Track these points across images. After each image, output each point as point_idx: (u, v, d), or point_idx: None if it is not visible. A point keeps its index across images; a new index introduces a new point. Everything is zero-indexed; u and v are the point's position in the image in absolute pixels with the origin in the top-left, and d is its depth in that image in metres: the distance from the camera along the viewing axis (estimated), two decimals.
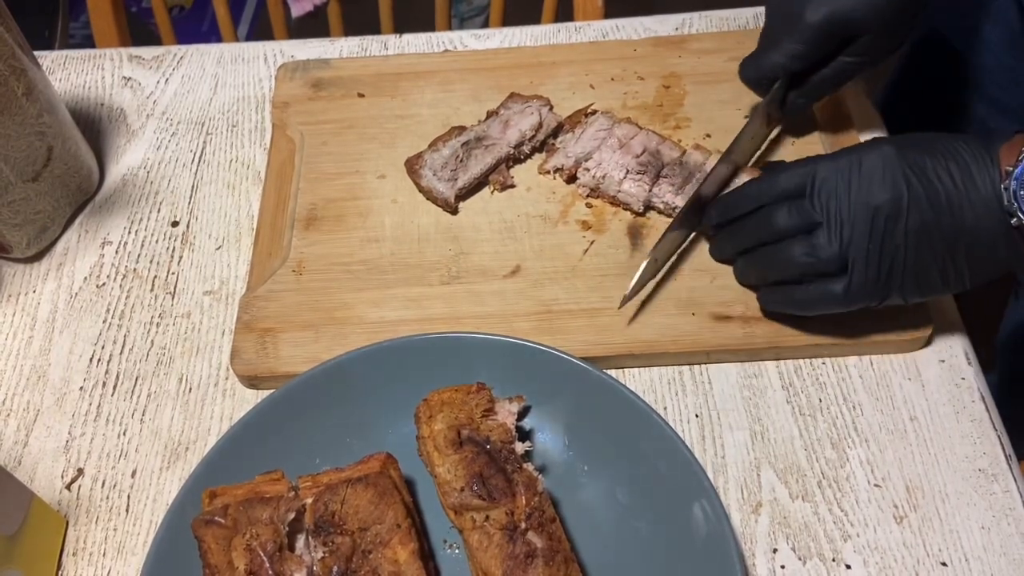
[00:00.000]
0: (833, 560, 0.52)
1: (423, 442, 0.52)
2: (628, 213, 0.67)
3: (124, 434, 0.59)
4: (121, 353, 0.63)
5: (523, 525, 0.47)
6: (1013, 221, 0.50)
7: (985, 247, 0.52)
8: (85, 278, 0.67)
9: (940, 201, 0.52)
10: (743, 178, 0.65)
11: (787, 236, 0.56)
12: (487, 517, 0.48)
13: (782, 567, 0.52)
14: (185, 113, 0.78)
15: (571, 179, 0.68)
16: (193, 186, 0.73)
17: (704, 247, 0.64)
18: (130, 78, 0.81)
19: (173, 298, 0.66)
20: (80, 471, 0.58)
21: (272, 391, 0.56)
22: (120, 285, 0.67)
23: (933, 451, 0.56)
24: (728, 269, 0.63)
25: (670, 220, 0.65)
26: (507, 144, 0.69)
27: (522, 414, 0.55)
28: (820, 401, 0.58)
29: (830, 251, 0.54)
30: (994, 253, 0.52)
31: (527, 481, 0.49)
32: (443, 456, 0.50)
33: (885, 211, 0.52)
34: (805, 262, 0.55)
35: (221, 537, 0.48)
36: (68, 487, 0.57)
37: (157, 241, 0.69)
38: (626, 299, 0.59)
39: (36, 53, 0.67)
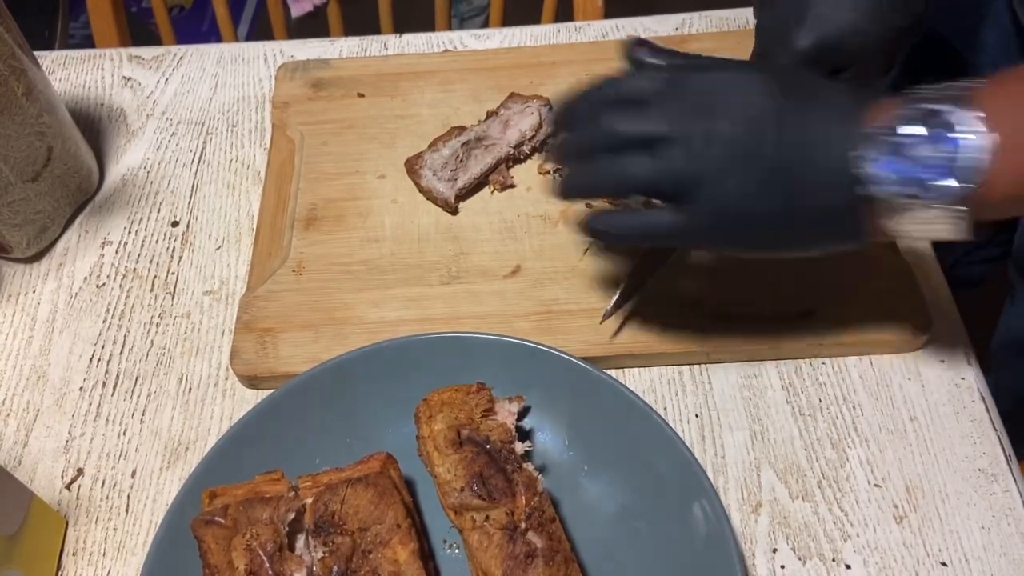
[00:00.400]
0: (833, 560, 0.52)
1: (423, 442, 0.52)
2: None
3: (124, 434, 0.59)
4: (121, 353, 0.63)
5: (523, 525, 0.47)
6: (857, 189, 0.45)
7: (828, 213, 0.47)
8: (85, 278, 0.67)
9: (795, 155, 0.46)
10: None
11: (626, 146, 0.49)
12: (487, 517, 0.48)
13: (782, 567, 0.52)
14: (185, 113, 0.78)
15: None
16: (193, 186, 0.73)
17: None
18: (130, 78, 0.81)
19: (173, 298, 0.66)
20: (80, 471, 0.58)
21: (272, 391, 0.56)
22: (120, 285, 0.67)
23: (933, 451, 0.56)
24: (728, 268, 0.63)
25: None
26: (507, 144, 0.69)
27: (522, 414, 0.55)
28: (820, 401, 0.58)
29: (672, 173, 0.47)
30: (837, 222, 0.47)
31: (527, 481, 0.49)
32: (443, 456, 0.50)
33: (742, 150, 0.46)
34: (643, 178, 0.48)
35: (221, 537, 0.48)
36: (68, 487, 0.57)
37: (157, 241, 0.69)
38: (607, 315, 0.59)
39: (36, 53, 0.67)
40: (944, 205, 0.43)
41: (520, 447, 0.51)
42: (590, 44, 0.79)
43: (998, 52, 0.80)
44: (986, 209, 0.44)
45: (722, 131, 0.47)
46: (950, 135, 0.42)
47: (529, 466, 0.50)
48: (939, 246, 0.65)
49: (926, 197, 0.43)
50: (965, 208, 0.43)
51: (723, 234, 0.49)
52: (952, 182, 0.42)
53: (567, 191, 0.52)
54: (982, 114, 0.42)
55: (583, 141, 0.51)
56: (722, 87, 0.48)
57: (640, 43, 0.52)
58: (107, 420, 0.60)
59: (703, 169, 0.47)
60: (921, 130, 0.43)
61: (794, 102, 0.47)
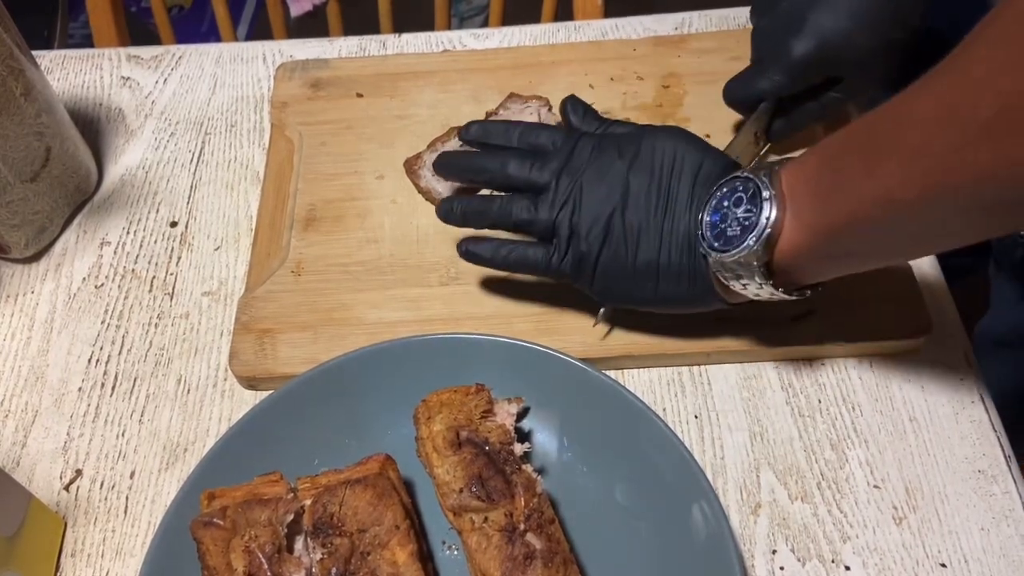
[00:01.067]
0: (832, 561, 0.52)
1: (422, 443, 0.52)
2: None
3: (123, 435, 0.59)
4: (119, 354, 0.63)
5: (522, 526, 0.47)
6: (700, 250, 0.52)
7: (673, 274, 0.53)
8: (83, 279, 0.67)
9: (648, 220, 0.53)
10: None
11: (511, 186, 0.57)
12: (486, 518, 0.48)
13: (781, 568, 0.52)
14: (184, 113, 0.78)
15: None
16: (192, 186, 0.73)
17: None
18: (129, 78, 0.81)
19: (172, 299, 0.66)
20: (78, 472, 0.58)
21: (271, 392, 0.56)
22: (118, 286, 0.67)
23: (932, 452, 0.56)
24: None
25: None
26: None
27: (521, 415, 0.55)
28: (819, 402, 0.58)
29: (542, 216, 0.54)
30: (684, 283, 0.54)
31: (526, 482, 0.49)
32: (442, 457, 0.50)
33: (602, 209, 0.53)
34: (522, 219, 0.55)
35: (219, 539, 0.47)
36: (66, 488, 0.57)
37: (156, 241, 0.69)
38: (599, 319, 0.60)
39: (35, 53, 0.67)
40: (749, 262, 0.49)
41: (519, 448, 0.51)
42: (590, 44, 0.79)
43: None
44: (786, 271, 0.50)
45: (589, 192, 0.54)
46: (755, 203, 0.49)
47: (528, 467, 0.50)
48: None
49: (734, 252, 0.49)
50: (765, 266, 0.49)
51: (584, 280, 0.56)
52: (750, 241, 0.49)
53: (453, 215, 0.59)
54: (773, 190, 0.48)
55: (482, 162, 0.58)
56: (600, 154, 0.54)
57: (574, 103, 0.60)
58: (106, 421, 0.60)
59: (569, 222, 0.54)
60: (739, 196, 0.50)
61: (658, 174, 0.53)
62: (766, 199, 0.49)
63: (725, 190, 0.51)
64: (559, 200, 0.54)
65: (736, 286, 0.51)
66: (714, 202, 0.51)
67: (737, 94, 0.66)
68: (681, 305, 0.56)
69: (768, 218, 0.48)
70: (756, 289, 0.51)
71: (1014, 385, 0.83)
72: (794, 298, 0.52)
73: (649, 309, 0.57)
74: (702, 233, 0.51)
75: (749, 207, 0.49)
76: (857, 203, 0.44)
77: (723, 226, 0.50)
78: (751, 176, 0.50)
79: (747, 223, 0.49)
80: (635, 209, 0.53)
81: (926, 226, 0.43)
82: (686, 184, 0.53)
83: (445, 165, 0.60)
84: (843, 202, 0.45)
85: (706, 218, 0.51)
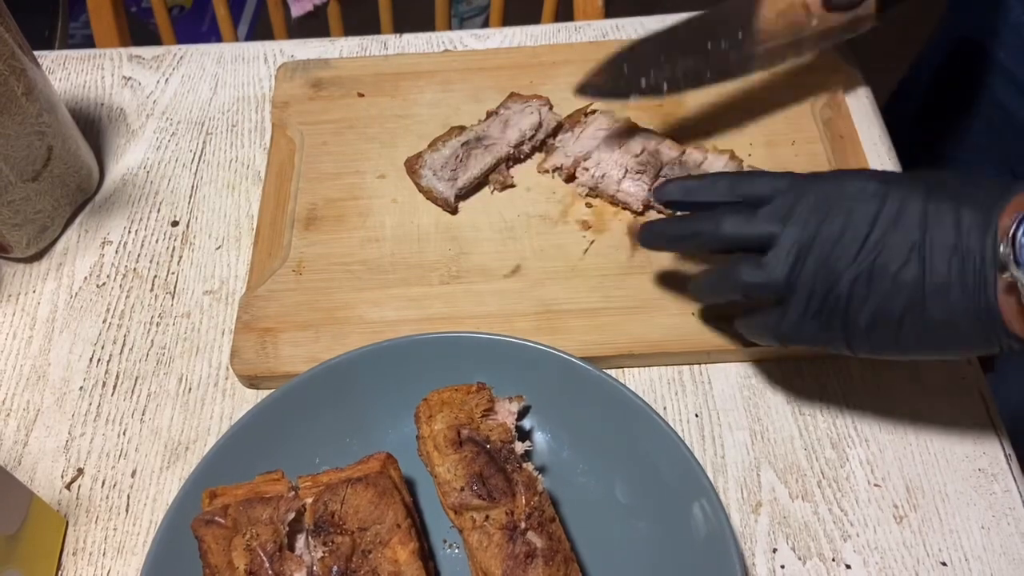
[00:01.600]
0: (833, 560, 0.52)
1: (423, 442, 0.52)
2: (628, 213, 0.67)
3: (124, 434, 0.59)
4: (121, 353, 0.63)
5: (523, 525, 0.47)
6: (1005, 275, 0.43)
7: (952, 318, 0.45)
8: (85, 278, 0.67)
9: (907, 255, 0.45)
10: (718, 163, 0.64)
11: (731, 246, 0.50)
12: (487, 517, 0.48)
13: (782, 567, 0.52)
14: (185, 113, 0.78)
15: (570, 178, 0.69)
16: (193, 186, 0.73)
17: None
18: (130, 78, 0.81)
19: (173, 298, 0.66)
20: (80, 471, 0.58)
21: (272, 391, 0.56)
22: (120, 285, 0.67)
23: (933, 451, 0.56)
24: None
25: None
26: (507, 144, 0.69)
27: (522, 414, 0.55)
28: (820, 401, 0.58)
29: (775, 275, 0.48)
30: (960, 328, 0.45)
31: (527, 481, 0.49)
32: (443, 456, 0.50)
33: (842, 250, 0.46)
34: (748, 283, 0.49)
35: (221, 537, 0.48)
36: (68, 487, 0.57)
37: (157, 241, 0.69)
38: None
39: (36, 53, 0.67)
40: None
41: (520, 447, 0.51)
42: (590, 44, 0.79)
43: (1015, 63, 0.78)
44: None
45: (829, 235, 0.46)
46: None
47: (529, 466, 0.50)
48: None
49: None
50: None
51: (831, 334, 0.49)
52: None
53: (701, 293, 0.55)
54: None
55: (691, 224, 0.52)
56: (839, 189, 0.47)
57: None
58: (107, 420, 0.60)
59: (807, 275, 0.47)
60: None
61: (919, 203, 0.45)
62: None
63: None
64: (789, 250, 0.47)
65: None
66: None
67: None
68: (961, 347, 0.47)
69: None
70: None
71: None
72: None
73: (921, 356, 0.49)
74: (1013, 254, 0.42)
75: None
76: None
77: None
78: None
79: None
80: (891, 249, 0.45)
81: None
82: (960, 203, 0.45)
83: (651, 237, 0.54)
84: None
85: (1019, 235, 0.42)
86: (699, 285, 0.55)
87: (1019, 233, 0.43)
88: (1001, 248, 0.43)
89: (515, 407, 0.53)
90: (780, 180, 0.49)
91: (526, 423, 0.56)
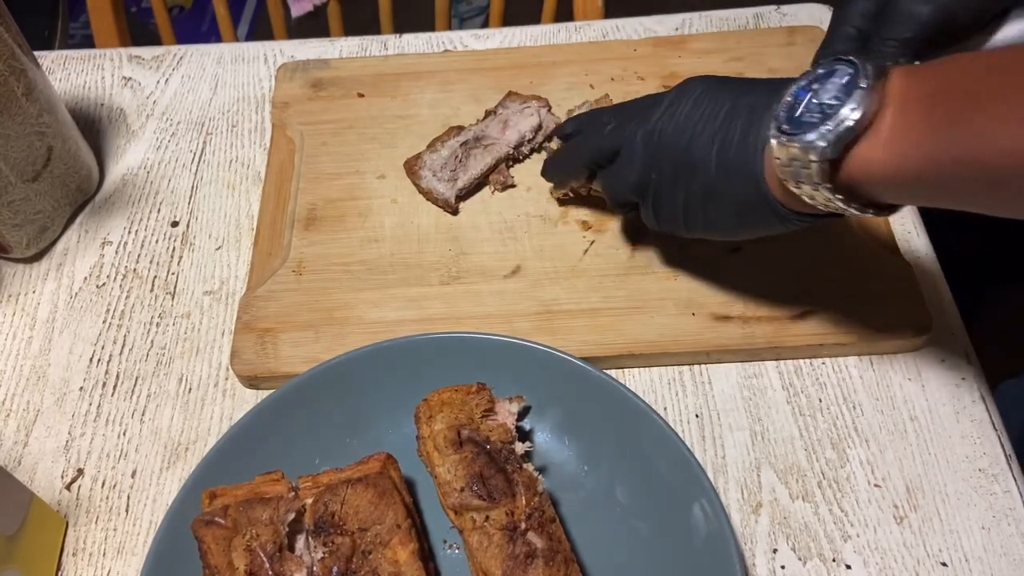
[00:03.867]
0: (833, 560, 0.52)
1: (423, 442, 0.52)
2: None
3: (124, 434, 0.59)
4: (121, 353, 0.63)
5: (523, 525, 0.47)
6: (766, 132, 0.46)
7: (739, 195, 0.49)
8: (85, 278, 0.67)
9: (708, 136, 0.50)
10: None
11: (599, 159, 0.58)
12: (487, 517, 0.48)
13: (782, 567, 0.52)
14: (185, 113, 0.78)
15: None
16: (193, 186, 0.73)
17: (704, 248, 0.64)
18: (130, 78, 0.81)
19: (173, 298, 0.66)
20: (80, 471, 0.58)
21: (272, 391, 0.56)
22: (120, 285, 0.67)
23: (933, 451, 0.56)
24: (728, 268, 0.63)
25: None
26: (507, 144, 0.69)
27: (522, 414, 0.55)
28: (820, 401, 0.58)
29: (625, 182, 0.56)
30: (750, 201, 0.49)
31: (527, 481, 0.49)
32: (443, 456, 0.50)
33: (662, 129, 0.52)
34: (597, 144, 0.57)
35: (221, 537, 0.48)
36: (68, 487, 0.57)
37: (157, 241, 0.69)
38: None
39: (36, 53, 0.67)
40: (808, 158, 0.43)
41: (520, 447, 0.51)
42: (590, 44, 0.79)
43: None
44: (860, 184, 0.43)
45: (645, 141, 0.53)
46: (847, 93, 0.42)
47: (529, 466, 0.50)
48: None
49: (795, 140, 0.43)
50: (830, 167, 0.43)
51: (666, 223, 0.56)
52: (823, 130, 0.42)
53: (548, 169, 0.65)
54: (875, 85, 0.41)
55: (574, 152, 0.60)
56: (652, 103, 0.54)
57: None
58: (107, 420, 0.60)
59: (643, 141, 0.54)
60: (834, 80, 0.43)
61: (718, 99, 0.51)
62: (862, 89, 0.41)
63: (821, 71, 0.44)
64: (626, 159, 0.55)
65: (792, 187, 0.45)
66: (803, 81, 0.45)
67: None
68: (738, 216, 0.51)
69: (855, 112, 0.41)
70: (812, 192, 0.44)
71: None
72: (857, 213, 0.45)
73: (707, 231, 0.54)
74: (775, 113, 0.45)
75: (838, 95, 0.42)
76: (990, 147, 0.37)
77: (800, 108, 0.44)
78: (855, 61, 0.43)
79: (829, 111, 0.42)
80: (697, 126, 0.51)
81: None
82: (743, 99, 0.50)
83: (549, 167, 0.65)
84: (971, 139, 0.38)
85: (787, 97, 0.45)
86: (554, 161, 0.64)
87: (786, 93, 0.45)
88: (770, 120, 0.45)
89: (515, 407, 0.53)
90: (631, 109, 0.57)
91: (526, 423, 0.56)
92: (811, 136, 0.42)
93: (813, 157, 0.43)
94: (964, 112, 0.38)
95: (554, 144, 0.68)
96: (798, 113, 0.44)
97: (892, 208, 0.46)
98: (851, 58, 0.43)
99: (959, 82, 0.40)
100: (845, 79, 0.43)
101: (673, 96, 0.53)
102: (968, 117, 0.38)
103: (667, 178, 0.53)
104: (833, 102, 0.42)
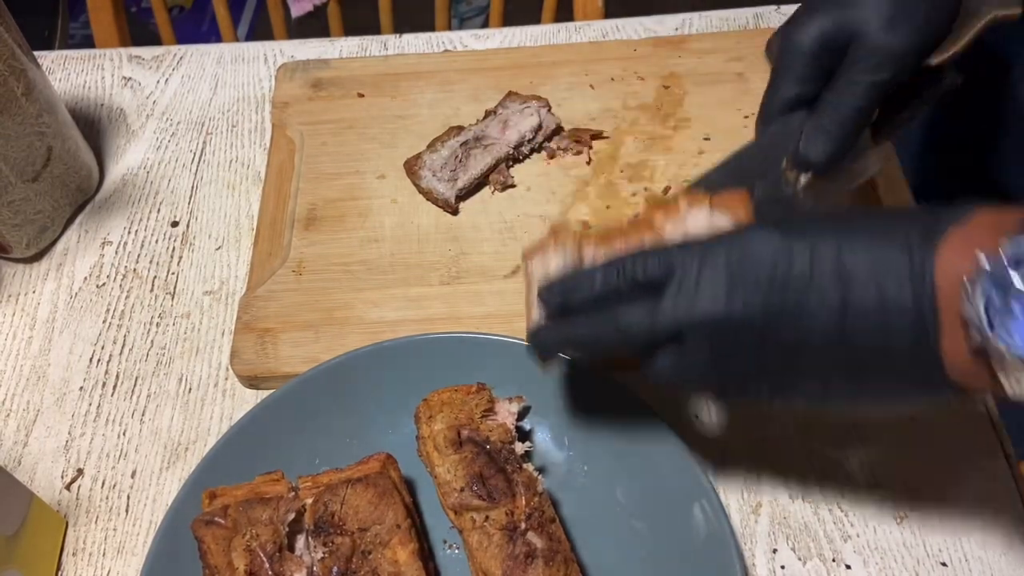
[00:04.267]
0: (833, 560, 0.52)
1: (423, 442, 0.52)
2: (628, 213, 0.67)
3: (124, 434, 0.59)
4: (121, 353, 0.63)
5: (523, 525, 0.47)
6: (974, 336, 0.35)
7: (889, 370, 0.39)
8: (85, 278, 0.67)
9: (825, 321, 0.38)
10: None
11: (633, 341, 0.42)
12: (487, 517, 0.48)
13: (782, 567, 0.52)
14: (185, 113, 0.78)
15: None
16: (193, 186, 0.73)
17: None
18: (130, 78, 0.81)
19: (173, 298, 0.66)
20: (80, 471, 0.58)
21: (272, 391, 0.56)
22: (120, 285, 0.67)
23: (933, 451, 0.56)
24: None
25: None
26: (506, 144, 0.69)
27: (522, 414, 0.55)
28: None
29: (694, 371, 0.42)
30: (902, 377, 0.39)
31: (527, 481, 0.49)
32: (443, 456, 0.50)
33: (735, 325, 0.40)
34: (670, 378, 0.43)
35: (221, 538, 0.48)
36: (68, 487, 0.57)
37: (157, 241, 0.69)
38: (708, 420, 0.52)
39: (36, 53, 0.67)
40: None
41: (520, 447, 0.51)
42: (590, 44, 0.79)
43: None
44: None
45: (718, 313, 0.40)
46: None
47: (529, 466, 0.50)
48: None
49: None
50: None
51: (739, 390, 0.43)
52: None
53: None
54: None
55: (593, 340, 0.44)
56: (741, 253, 0.40)
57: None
58: (107, 420, 0.60)
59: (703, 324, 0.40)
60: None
61: (833, 245, 0.39)
62: None
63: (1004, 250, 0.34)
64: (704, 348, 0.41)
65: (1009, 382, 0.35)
66: (986, 265, 0.34)
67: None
68: (897, 402, 0.41)
69: None
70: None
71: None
72: None
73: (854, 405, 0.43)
74: (972, 314, 0.35)
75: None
76: None
77: (1006, 300, 0.34)
78: None
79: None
80: (808, 316, 0.39)
81: None
82: (865, 261, 0.38)
83: (541, 346, 0.47)
84: None
85: (976, 290, 0.35)
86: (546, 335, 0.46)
87: (981, 286, 0.34)
88: (966, 305, 0.35)
89: (515, 407, 0.53)
90: (673, 255, 0.42)
91: (526, 423, 0.56)
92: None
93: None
94: None
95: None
96: (1011, 307, 0.34)
97: None
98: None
99: None
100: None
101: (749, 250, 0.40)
102: None
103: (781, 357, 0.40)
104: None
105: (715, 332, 0.40)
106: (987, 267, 0.34)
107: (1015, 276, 0.34)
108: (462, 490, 0.49)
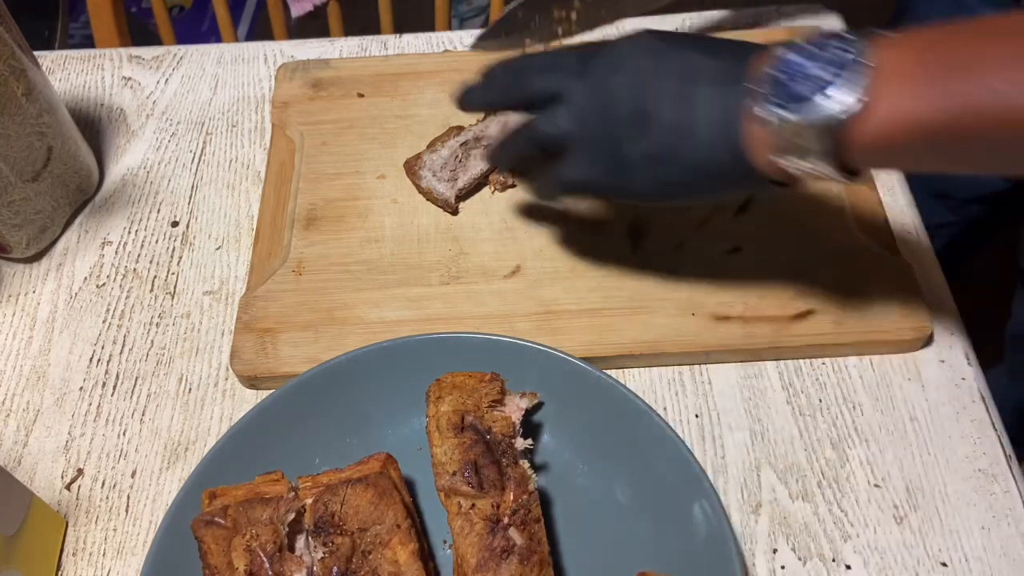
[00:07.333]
0: (833, 560, 0.52)
1: (429, 421, 0.52)
2: (628, 213, 0.67)
3: (124, 434, 0.59)
4: (121, 353, 0.63)
5: (506, 520, 0.48)
6: (755, 111, 0.44)
7: (706, 156, 0.47)
8: (85, 278, 0.67)
9: (669, 101, 0.48)
10: None
11: (530, 98, 0.54)
12: (473, 505, 0.48)
13: (782, 567, 0.52)
14: (185, 113, 0.78)
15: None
16: (193, 186, 0.73)
17: (703, 248, 0.64)
18: (130, 78, 0.81)
19: (173, 298, 0.66)
20: (80, 471, 0.58)
21: (272, 391, 0.56)
22: (120, 285, 0.67)
23: (933, 451, 0.56)
24: (728, 268, 0.63)
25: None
26: None
27: (532, 411, 0.55)
28: (820, 401, 0.58)
29: (564, 125, 0.51)
30: (723, 166, 0.47)
31: (519, 478, 0.49)
32: (443, 438, 0.50)
33: (616, 99, 0.49)
34: (542, 132, 0.52)
35: (221, 538, 0.48)
36: (68, 487, 0.57)
37: (157, 241, 0.69)
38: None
39: (36, 53, 0.67)
40: (820, 129, 0.42)
41: (521, 443, 0.51)
42: (590, 44, 0.79)
43: None
44: (859, 152, 0.43)
45: (610, 91, 0.49)
46: (839, 61, 0.42)
47: (525, 463, 0.50)
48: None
49: (802, 116, 0.42)
50: (838, 139, 0.42)
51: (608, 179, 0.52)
52: (829, 102, 0.41)
53: (472, 99, 0.58)
54: (875, 54, 0.41)
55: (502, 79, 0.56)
56: (617, 48, 0.51)
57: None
58: (107, 420, 0.60)
59: (592, 121, 0.50)
60: (813, 53, 0.43)
61: (678, 58, 0.48)
62: (856, 60, 0.41)
63: (809, 43, 0.43)
64: (576, 105, 0.51)
65: (778, 156, 0.45)
66: (793, 53, 0.44)
67: None
68: (718, 187, 0.50)
69: (856, 83, 0.41)
70: (799, 162, 0.44)
71: None
72: (844, 180, 0.45)
73: (687, 199, 0.52)
74: (758, 80, 0.44)
75: (833, 67, 0.42)
76: (990, 94, 0.37)
77: (792, 79, 0.43)
78: (844, 34, 0.43)
79: (826, 83, 0.41)
80: (656, 97, 0.48)
81: None
82: (713, 61, 0.48)
83: (468, 99, 0.58)
84: (980, 93, 0.38)
85: (770, 66, 0.44)
86: (498, 146, 0.58)
87: (769, 70, 0.44)
88: (750, 87, 0.44)
89: (525, 403, 0.53)
90: (565, 57, 0.53)
91: (534, 421, 0.56)
92: (811, 109, 0.42)
93: (814, 131, 0.42)
94: (966, 70, 0.39)
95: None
96: (790, 84, 0.43)
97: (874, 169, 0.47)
98: (839, 32, 0.43)
99: (953, 43, 0.40)
100: (837, 49, 0.42)
101: (623, 48, 0.50)
102: (972, 75, 0.38)
103: (611, 133, 0.50)
104: (829, 76, 0.42)
105: (582, 97, 0.50)
106: (767, 70, 0.44)
107: (779, 75, 0.43)
108: (454, 474, 0.49)
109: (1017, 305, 0.91)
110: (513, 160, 0.59)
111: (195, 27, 2.01)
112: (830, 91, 0.42)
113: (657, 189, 0.51)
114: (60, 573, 0.54)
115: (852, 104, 0.41)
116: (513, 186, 0.69)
